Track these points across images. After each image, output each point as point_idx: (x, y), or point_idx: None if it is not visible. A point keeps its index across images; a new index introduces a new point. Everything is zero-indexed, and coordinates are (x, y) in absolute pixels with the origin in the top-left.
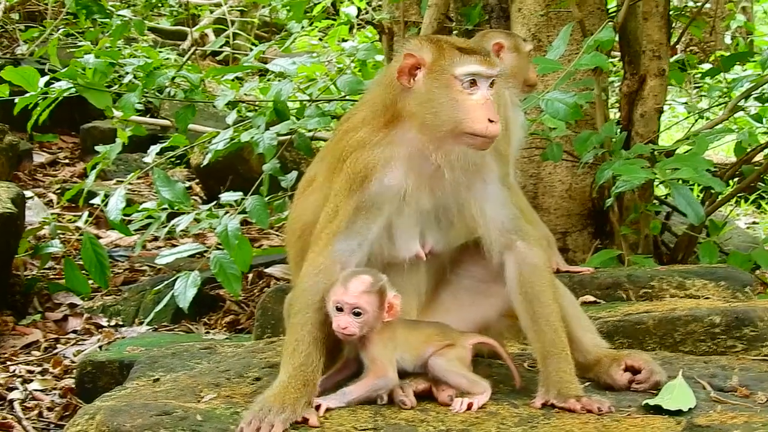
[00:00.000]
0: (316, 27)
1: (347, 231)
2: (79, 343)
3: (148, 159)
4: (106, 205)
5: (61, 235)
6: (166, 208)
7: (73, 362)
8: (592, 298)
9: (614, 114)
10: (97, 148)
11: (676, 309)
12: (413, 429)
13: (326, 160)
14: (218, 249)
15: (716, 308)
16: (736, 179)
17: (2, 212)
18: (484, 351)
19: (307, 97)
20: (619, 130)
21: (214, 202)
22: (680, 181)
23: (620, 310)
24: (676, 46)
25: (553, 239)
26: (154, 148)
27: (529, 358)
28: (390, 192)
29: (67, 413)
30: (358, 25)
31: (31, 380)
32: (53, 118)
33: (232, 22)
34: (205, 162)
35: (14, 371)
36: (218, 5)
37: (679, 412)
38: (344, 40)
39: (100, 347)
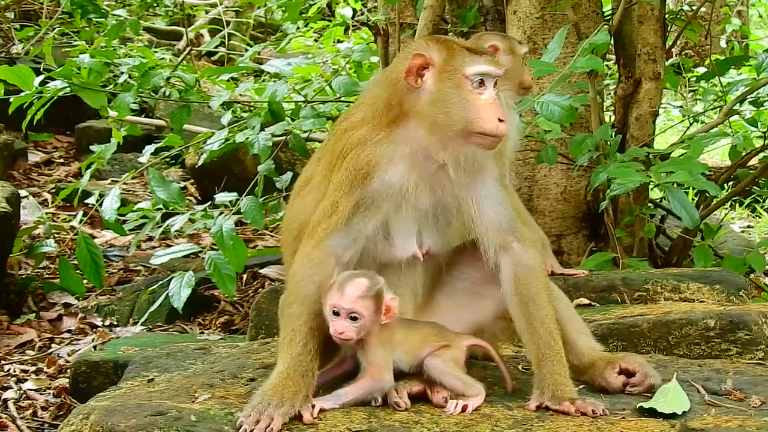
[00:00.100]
0: (312, 28)
1: (345, 227)
2: (74, 342)
3: (143, 159)
4: (100, 204)
5: (56, 235)
6: (160, 208)
7: (67, 362)
8: (586, 301)
9: (609, 117)
10: (92, 147)
11: (670, 312)
12: (407, 431)
13: (324, 160)
14: (213, 249)
15: (711, 312)
16: (731, 183)
17: None
18: (478, 353)
19: (303, 98)
20: (614, 133)
21: (209, 203)
22: (675, 185)
23: (615, 313)
24: (672, 50)
25: (547, 242)
26: (149, 148)
27: (524, 360)
28: (391, 189)
29: (61, 413)
30: (354, 26)
31: (26, 380)
32: (48, 117)
33: (228, 23)
34: (200, 162)
35: (8, 371)
36: (214, 6)
37: (673, 416)
38: (339, 42)
39: (94, 347)
